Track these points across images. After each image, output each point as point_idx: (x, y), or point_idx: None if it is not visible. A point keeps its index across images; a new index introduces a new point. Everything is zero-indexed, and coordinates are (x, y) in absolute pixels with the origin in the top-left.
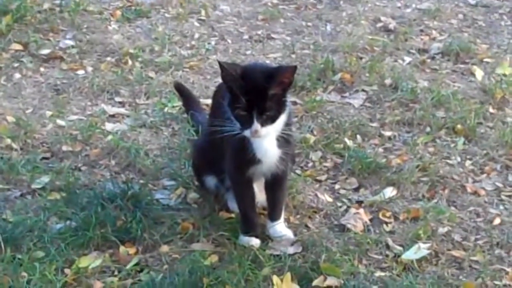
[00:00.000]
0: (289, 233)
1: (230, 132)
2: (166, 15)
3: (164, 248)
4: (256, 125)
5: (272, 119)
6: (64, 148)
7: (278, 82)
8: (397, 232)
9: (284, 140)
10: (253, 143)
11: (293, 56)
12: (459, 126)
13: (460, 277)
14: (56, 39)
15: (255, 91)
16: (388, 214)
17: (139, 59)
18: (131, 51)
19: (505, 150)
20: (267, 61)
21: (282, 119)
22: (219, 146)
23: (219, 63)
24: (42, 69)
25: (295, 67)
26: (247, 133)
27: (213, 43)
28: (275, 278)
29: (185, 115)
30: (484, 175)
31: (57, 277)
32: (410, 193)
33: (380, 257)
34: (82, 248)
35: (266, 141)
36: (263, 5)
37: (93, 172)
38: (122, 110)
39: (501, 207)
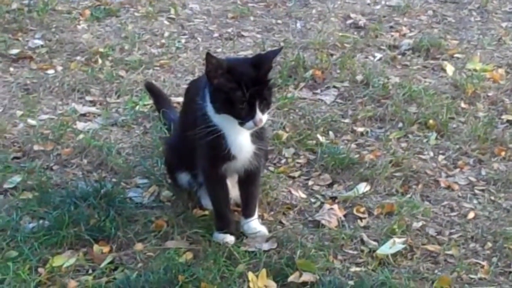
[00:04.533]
0: (263, 230)
1: (206, 129)
2: (136, 14)
3: (138, 246)
4: (260, 114)
5: (268, 106)
6: (36, 147)
7: (268, 68)
8: (371, 227)
9: (258, 136)
10: (228, 139)
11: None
12: (431, 121)
13: (435, 271)
14: (25, 39)
15: (252, 81)
16: (362, 209)
17: (109, 58)
18: (101, 50)
19: (478, 144)
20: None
21: None
22: (192, 143)
23: (208, 54)
24: (11, 69)
25: (281, 48)
26: (249, 125)
27: (183, 41)
28: (250, 275)
29: (156, 113)
30: (457, 169)
31: (31, 276)
32: (383, 188)
33: (355, 252)
34: (55, 247)
35: (241, 136)
36: (232, 3)
37: (65, 171)
38: (93, 109)
39: (475, 201)
